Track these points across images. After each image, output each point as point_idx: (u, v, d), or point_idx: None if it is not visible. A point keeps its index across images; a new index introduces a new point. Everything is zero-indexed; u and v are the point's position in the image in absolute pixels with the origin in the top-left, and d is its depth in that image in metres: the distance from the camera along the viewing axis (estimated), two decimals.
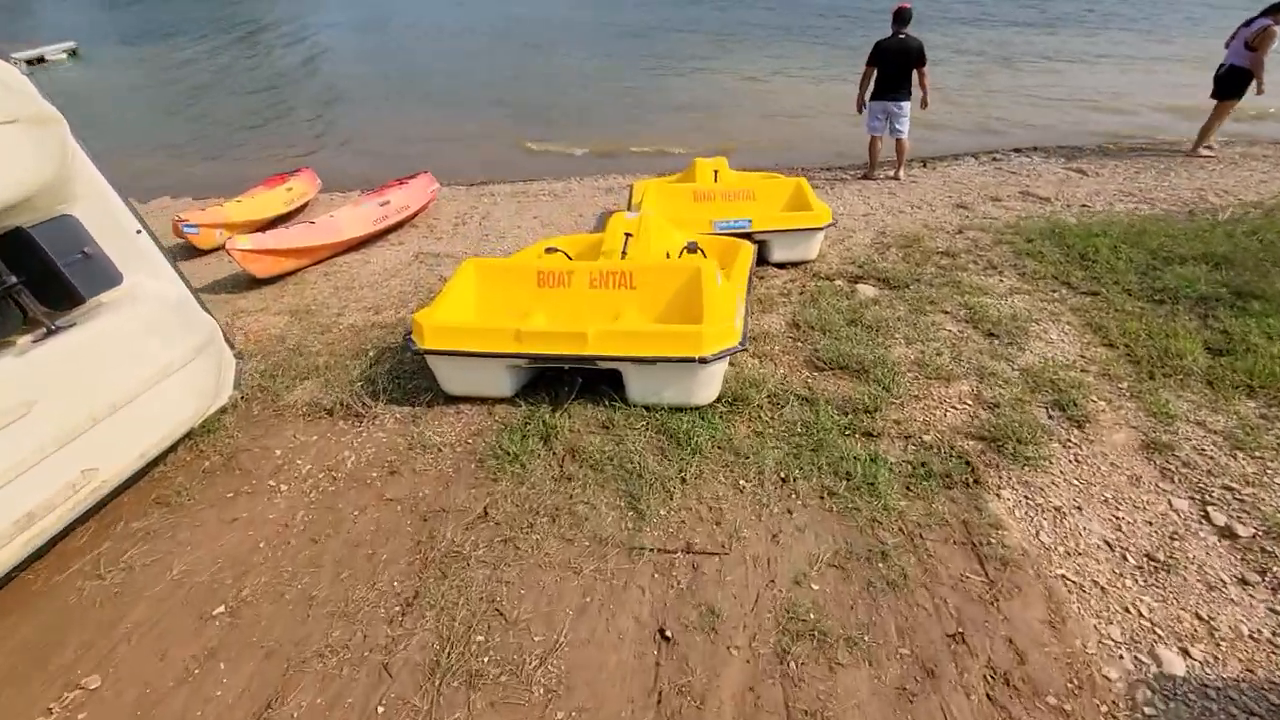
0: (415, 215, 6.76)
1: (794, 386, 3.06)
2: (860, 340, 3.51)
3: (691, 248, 4.09)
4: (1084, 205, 5.97)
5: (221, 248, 6.33)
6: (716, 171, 5.82)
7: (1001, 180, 7.09)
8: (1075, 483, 2.37)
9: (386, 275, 5.36)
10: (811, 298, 4.20)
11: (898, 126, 6.86)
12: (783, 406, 2.88)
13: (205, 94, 16.07)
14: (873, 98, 6.85)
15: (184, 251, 6.31)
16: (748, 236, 4.67)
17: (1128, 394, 2.91)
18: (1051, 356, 3.25)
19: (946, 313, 3.81)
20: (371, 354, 3.79)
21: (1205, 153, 7.60)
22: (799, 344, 3.56)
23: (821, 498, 2.28)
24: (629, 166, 9.37)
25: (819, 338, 3.59)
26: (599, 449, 2.55)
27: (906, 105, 6.70)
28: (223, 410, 3.04)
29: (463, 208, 7.50)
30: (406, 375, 3.51)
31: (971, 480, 2.34)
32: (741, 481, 2.38)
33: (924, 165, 8.26)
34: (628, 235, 3.88)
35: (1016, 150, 8.65)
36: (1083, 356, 3.23)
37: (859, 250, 5.06)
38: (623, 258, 3.86)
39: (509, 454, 2.57)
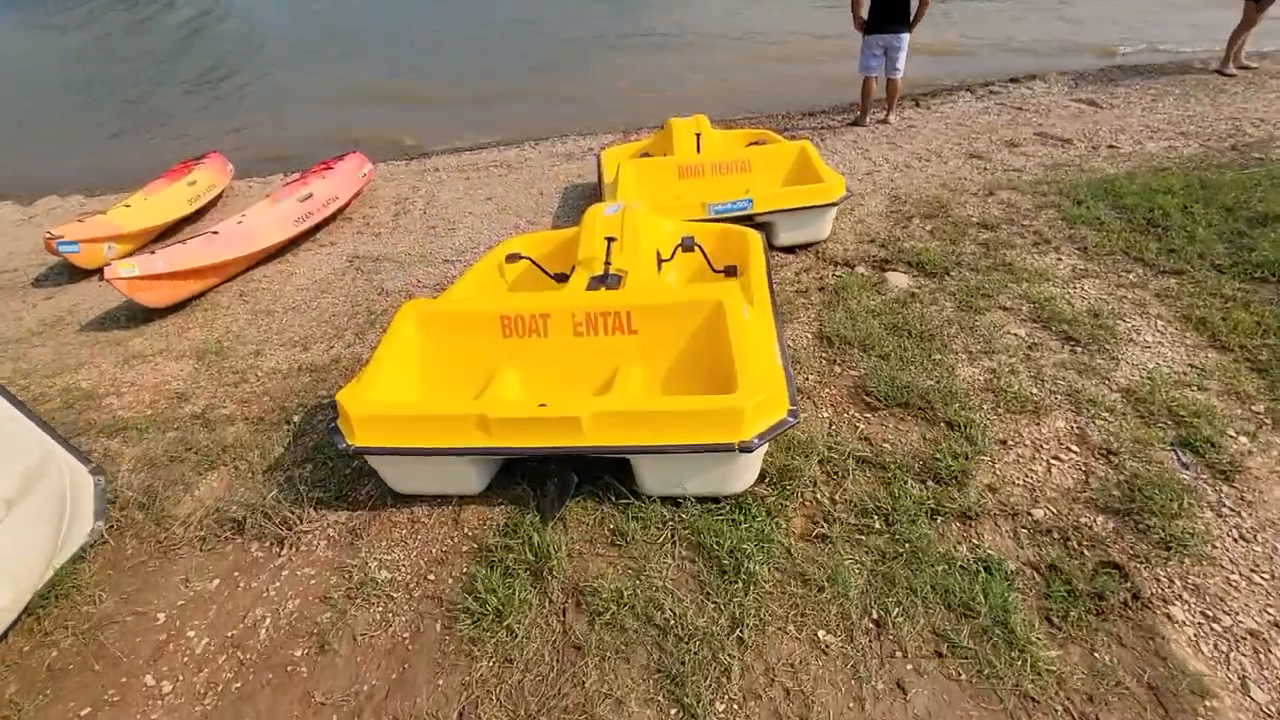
0: (346, 206, 5.75)
1: (849, 442, 2.36)
2: (911, 358, 2.82)
3: (687, 245, 3.29)
4: (1111, 146, 5.29)
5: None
6: (699, 135, 4.94)
7: (1010, 119, 6.34)
8: (1257, 579, 1.77)
9: (315, 291, 4.44)
10: (835, 294, 3.47)
11: (895, 64, 6.00)
12: (843, 479, 2.19)
13: (90, 61, 14.15)
14: (867, 30, 5.95)
15: (64, 275, 5.24)
16: (748, 219, 3.88)
17: (1269, 421, 2.30)
18: (1155, 368, 2.61)
19: (1005, 309, 3.13)
20: (297, 420, 2.97)
21: (1234, 71, 6.92)
22: (836, 367, 2.86)
23: (939, 654, 1.62)
24: (590, 123, 8.34)
25: (859, 357, 2.89)
26: (612, 588, 1.81)
27: (906, 38, 5.83)
28: (79, 557, 2.21)
29: (403, 189, 6.48)
30: (342, 457, 2.73)
31: (1129, 597, 1.72)
32: (821, 632, 1.70)
33: (915, 104, 7.44)
34: (609, 240, 3.07)
35: (1013, 80, 7.86)
36: (1193, 366, 2.60)
37: (875, 223, 4.31)
38: (606, 267, 3.06)
39: (489, 608, 1.83)
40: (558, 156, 7.08)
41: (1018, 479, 2.18)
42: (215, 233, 4.48)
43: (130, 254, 5.44)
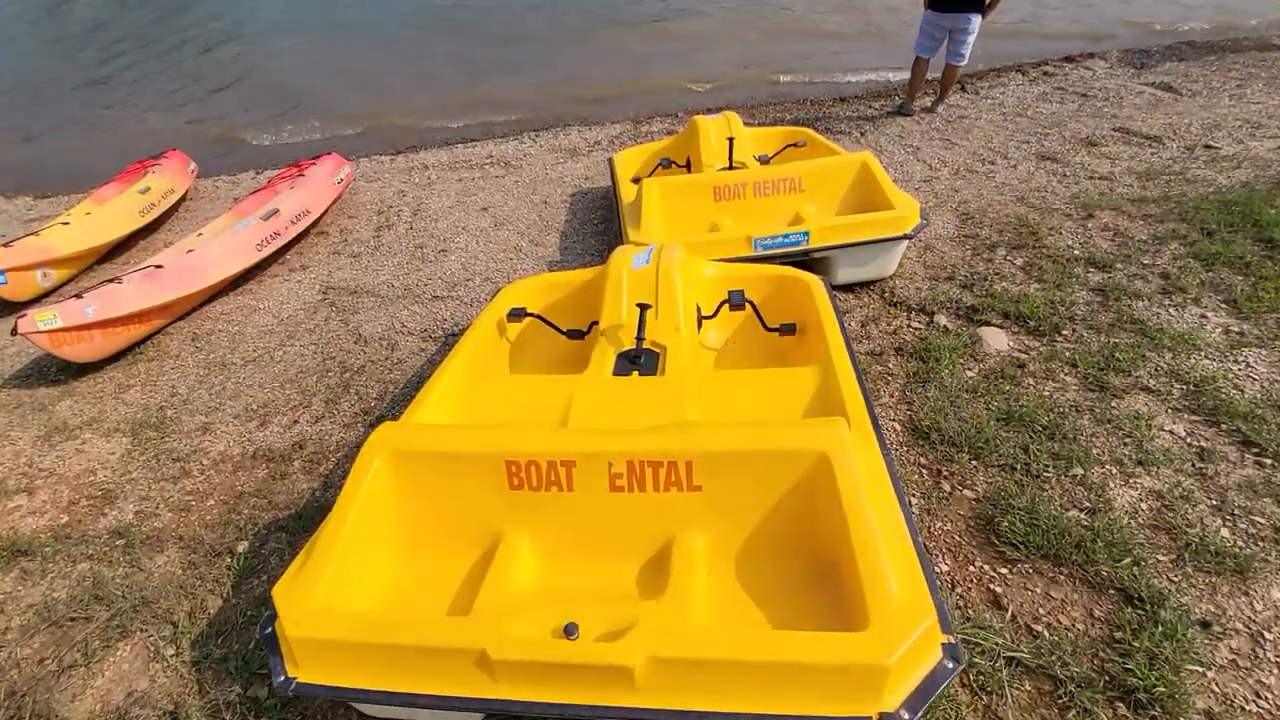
0: (319, 220, 5.00)
1: (991, 625, 1.71)
2: (1043, 471, 2.15)
3: (737, 302, 2.60)
4: (1209, 147, 4.54)
5: (49, 294, 4.57)
6: (731, 140, 4.18)
7: (1077, 109, 5.56)
8: None
9: (281, 335, 3.74)
10: (920, 360, 2.78)
11: (959, 50, 5.19)
12: (998, 701, 1.55)
13: (40, 30, 13.12)
14: (932, 6, 5.12)
15: None
16: (803, 258, 3.18)
17: None
18: None
19: (1149, 390, 2.45)
20: (243, 550, 2.30)
21: None
22: (944, 484, 2.19)
23: None
24: (592, 111, 7.51)
25: (972, 467, 2.22)
26: None
27: (977, 21, 5.01)
28: None
29: (388, 193, 5.71)
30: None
31: None
32: None
33: (962, 88, 6.63)
34: (643, 309, 2.37)
35: (1069, 60, 7.04)
36: None
37: (948, 251, 3.59)
38: (639, 343, 2.37)
39: None
40: (560, 152, 6.29)
41: (1247, 700, 1.53)
42: (159, 266, 3.75)
43: (69, 280, 4.72)
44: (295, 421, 3.00)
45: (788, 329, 2.70)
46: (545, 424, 2.10)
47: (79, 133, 9.19)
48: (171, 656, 1.93)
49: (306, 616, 1.41)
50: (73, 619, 2.09)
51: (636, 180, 4.36)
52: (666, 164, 4.52)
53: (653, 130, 6.62)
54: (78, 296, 3.44)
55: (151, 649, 1.96)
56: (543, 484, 1.63)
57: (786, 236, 3.16)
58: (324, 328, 3.76)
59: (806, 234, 3.16)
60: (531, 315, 2.82)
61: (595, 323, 2.79)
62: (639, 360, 2.35)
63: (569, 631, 1.34)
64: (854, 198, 3.49)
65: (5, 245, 4.34)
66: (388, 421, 1.82)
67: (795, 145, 4.44)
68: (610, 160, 4.75)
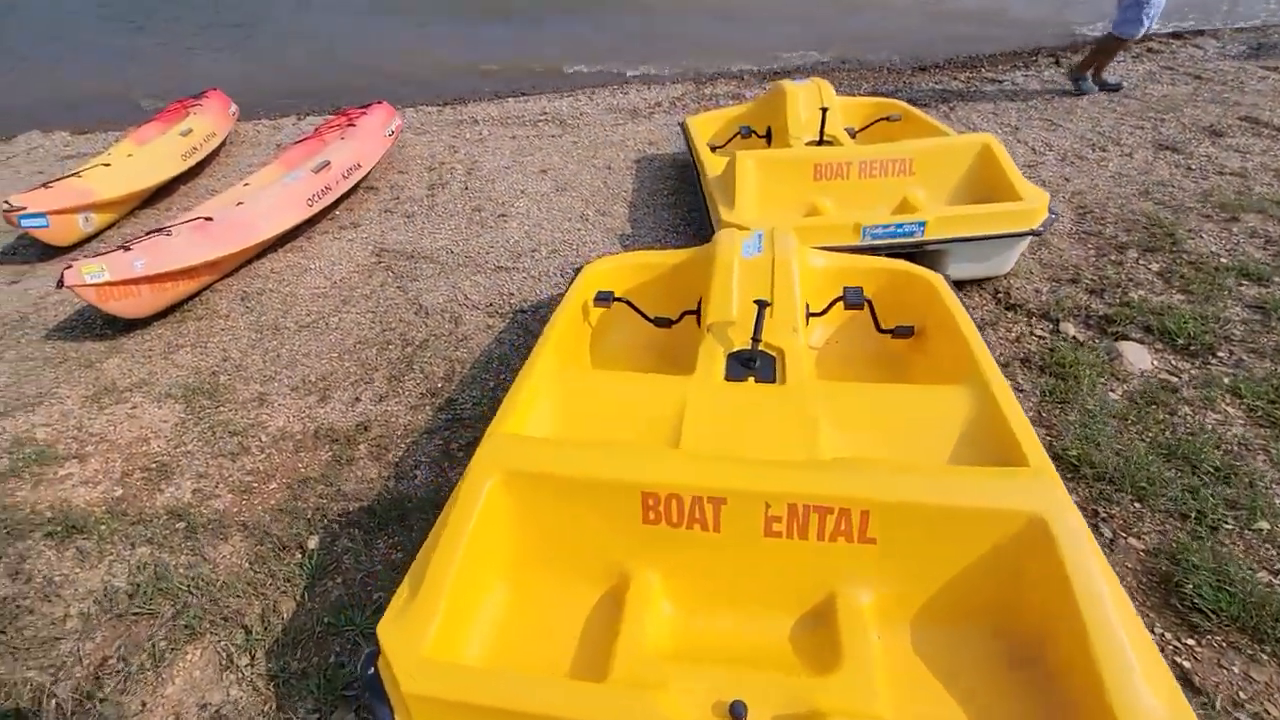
0: (368, 174, 4.72)
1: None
2: (1220, 523, 1.89)
3: (854, 301, 2.32)
4: None
5: (89, 239, 4.38)
6: (825, 111, 3.82)
7: (1192, 93, 5.07)
8: None
9: (336, 300, 3.51)
10: (1053, 376, 2.50)
11: (1144, 16, 4.70)
12: None
13: None
14: None
15: (33, 249, 4.32)
16: (917, 250, 2.87)
17: None
18: None
19: None
20: (314, 545, 2.12)
21: None
22: (1104, 528, 1.93)
23: None
24: (652, 64, 7.08)
25: (1136, 510, 1.95)
26: None
27: None
28: None
29: (437, 148, 5.41)
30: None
31: None
32: None
33: (1056, 63, 6.12)
34: (761, 307, 2.10)
35: (1176, 36, 6.45)
36: None
37: (1068, 250, 3.26)
38: (754, 344, 2.11)
39: None
40: (619, 113, 5.92)
41: None
42: (208, 219, 3.51)
43: (110, 225, 4.52)
44: (357, 399, 2.80)
45: (903, 331, 2.43)
46: (655, 434, 1.87)
47: (113, 68, 8.91)
48: (246, 667, 1.76)
49: (423, 670, 1.20)
50: (136, 613, 1.93)
51: (715, 149, 4.03)
52: (746, 133, 4.17)
53: (717, 93, 6.21)
54: (125, 249, 3.23)
55: (223, 656, 1.79)
56: (684, 521, 1.40)
57: (900, 226, 2.84)
58: (381, 294, 3.52)
59: (923, 224, 2.84)
60: (620, 300, 2.57)
61: (689, 312, 2.54)
62: (754, 364, 2.10)
63: (736, 714, 1.12)
64: (970, 184, 3.15)
65: (46, 186, 4.12)
66: (495, 431, 1.58)
67: (888, 119, 4.06)
68: (684, 125, 4.39)
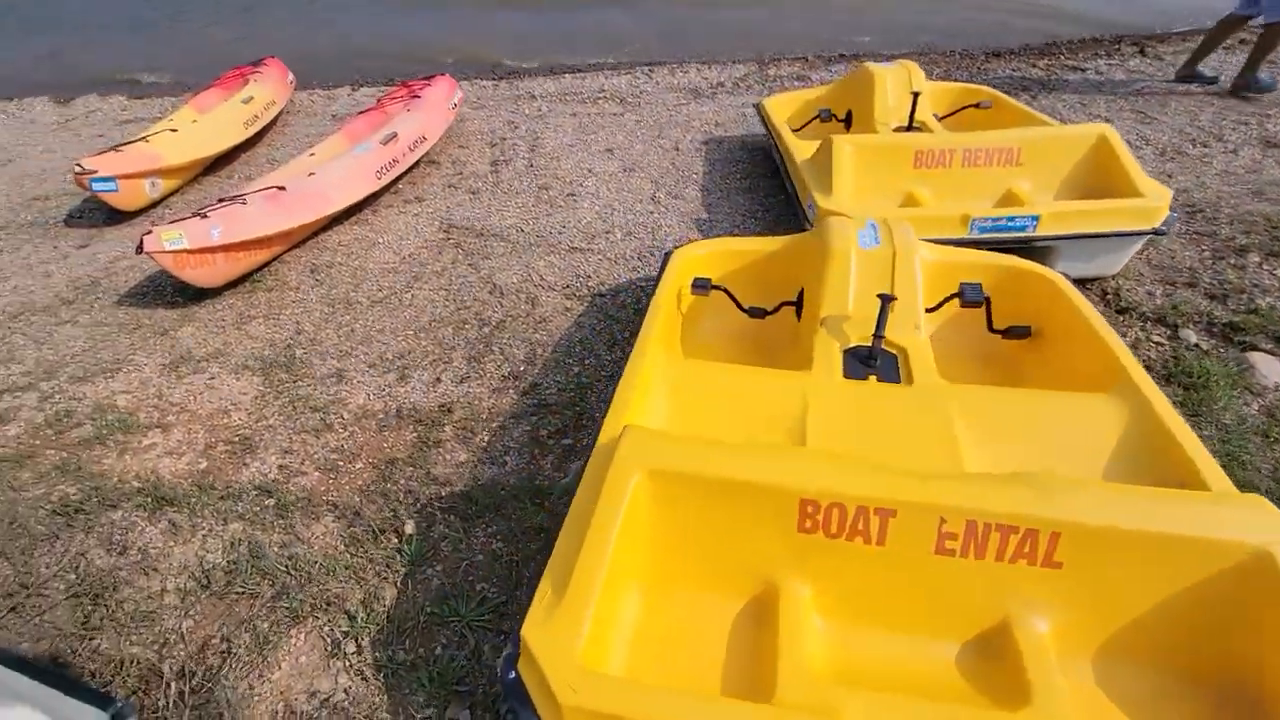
0: (431, 150, 4.63)
1: None
2: None
3: (972, 298, 2.19)
4: None
5: (155, 205, 4.36)
6: (916, 96, 3.64)
7: None
8: None
9: (407, 275, 3.44)
10: (1180, 387, 2.35)
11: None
12: None
13: None
14: None
15: (100, 213, 4.32)
16: (1024, 246, 2.71)
17: None
18: None
19: None
20: (410, 530, 2.06)
21: None
22: None
23: None
24: (707, 44, 6.87)
25: None
26: None
27: None
28: None
29: (496, 123, 5.31)
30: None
31: None
32: None
33: (1140, 51, 5.81)
34: (885, 301, 1.97)
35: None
36: None
37: (1180, 251, 3.06)
38: (877, 341, 1.99)
39: None
40: (681, 92, 5.75)
41: None
42: (281, 188, 3.46)
43: (174, 192, 4.49)
44: (438, 379, 2.73)
45: (1018, 332, 2.29)
46: (777, 432, 1.77)
47: (165, 35, 8.91)
48: (353, 655, 1.71)
49: (582, 683, 1.13)
50: (237, 593, 1.89)
51: (793, 133, 3.88)
52: (825, 116, 4.01)
53: (781, 75, 6.01)
54: (202, 216, 3.18)
55: (328, 642, 1.74)
56: (844, 532, 1.30)
57: (1011, 220, 2.68)
58: (452, 271, 3.45)
59: (1035, 218, 2.68)
60: (717, 288, 2.46)
61: (787, 303, 2.43)
62: (874, 362, 1.98)
63: None
64: (1082, 177, 2.97)
65: (116, 150, 4.10)
66: (632, 426, 1.49)
67: (977, 106, 3.87)
68: (760, 107, 4.23)
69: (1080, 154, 2.96)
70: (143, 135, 4.38)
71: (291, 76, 5.92)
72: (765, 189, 3.95)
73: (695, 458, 1.38)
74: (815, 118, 4.02)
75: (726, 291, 2.47)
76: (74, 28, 9.46)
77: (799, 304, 2.43)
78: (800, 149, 3.37)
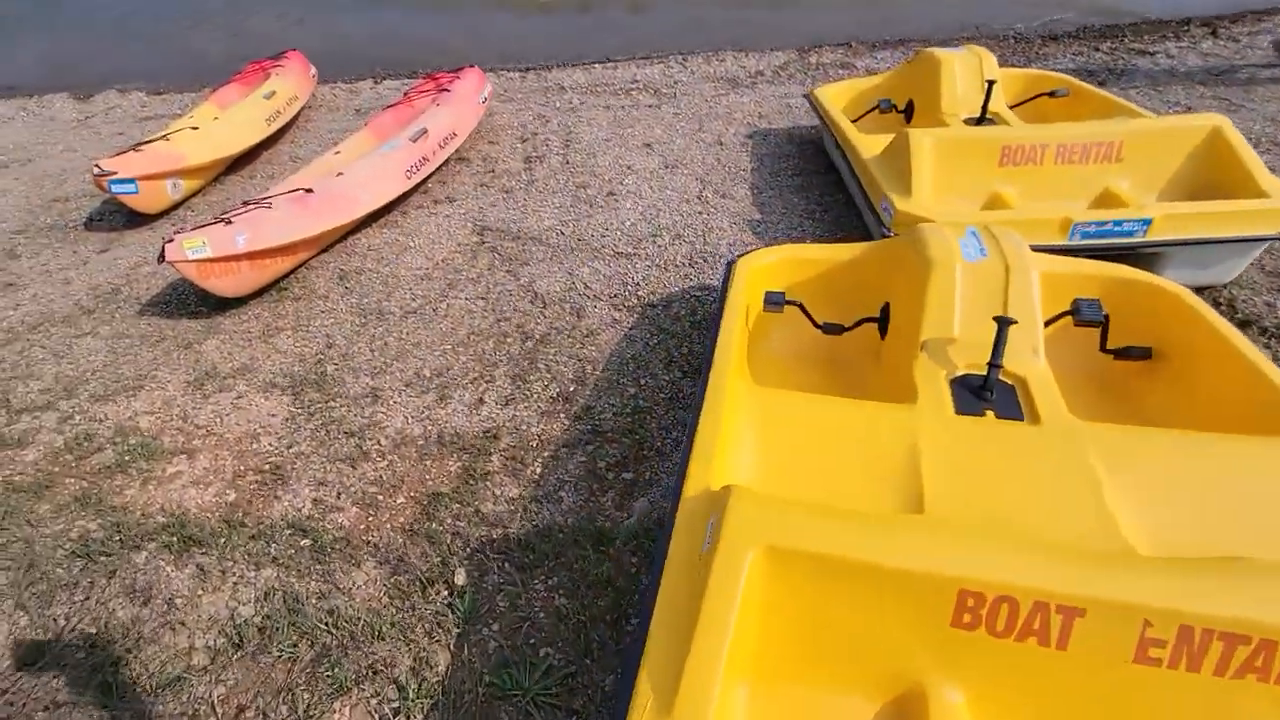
0: (461, 144, 4.40)
1: None
2: None
3: (1089, 316, 1.92)
4: None
5: (176, 206, 4.19)
6: (990, 84, 3.34)
7: None
8: None
9: (441, 283, 3.23)
10: None
11: None
12: None
13: None
14: None
15: (120, 216, 4.15)
16: (1129, 252, 2.42)
17: None
18: None
19: None
20: (461, 580, 1.85)
21: None
22: None
23: None
24: (742, 35, 6.55)
25: None
26: None
27: None
28: None
29: (527, 117, 5.07)
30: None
31: None
32: None
33: (1214, 34, 5.42)
34: (1003, 325, 1.72)
35: None
36: None
37: None
38: (993, 371, 1.73)
39: None
40: (718, 81, 5.47)
41: None
42: (308, 191, 3.25)
43: (197, 193, 4.32)
44: (480, 400, 2.51)
45: (1136, 353, 2.02)
46: (883, 482, 1.53)
47: (180, 29, 8.75)
48: None
49: None
50: (273, 655, 1.69)
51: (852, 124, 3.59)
52: (885, 107, 3.72)
53: (824, 62, 5.69)
54: (226, 221, 2.99)
55: (377, 718, 1.54)
56: (1014, 631, 1.06)
57: (1118, 224, 2.40)
58: (489, 278, 3.23)
59: (1146, 222, 2.39)
60: (792, 303, 2.21)
61: (869, 319, 2.18)
62: (989, 394, 1.73)
63: None
64: (1190, 175, 2.66)
65: (137, 150, 3.92)
66: (740, 489, 1.26)
67: (1052, 95, 3.56)
68: (812, 98, 3.95)
69: (1189, 149, 2.65)
70: (163, 134, 4.20)
71: (313, 70, 5.72)
72: (820, 187, 3.68)
73: (826, 534, 1.14)
74: (874, 108, 3.74)
75: (802, 308, 2.22)
76: (89, 24, 9.35)
77: (883, 320, 2.18)
78: (868, 144, 3.09)
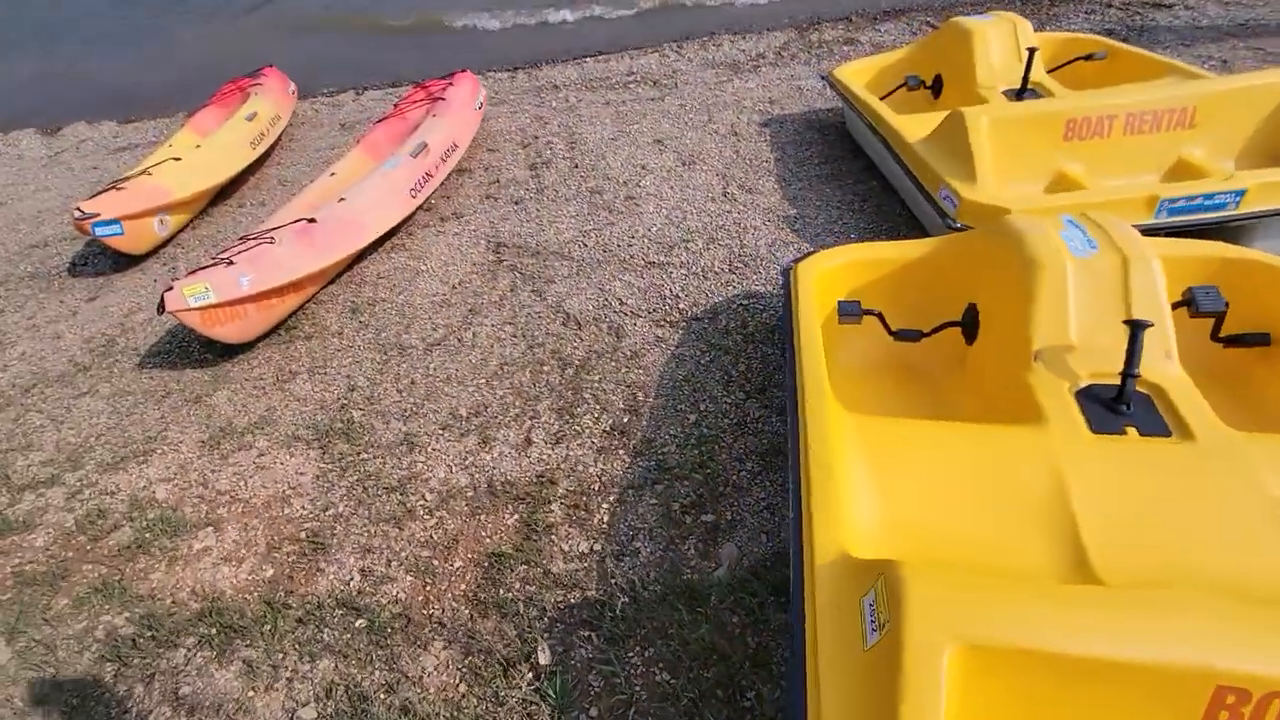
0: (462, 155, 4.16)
1: None
2: None
3: (1207, 304, 1.74)
4: None
5: (165, 243, 3.93)
6: (1031, 52, 3.13)
7: None
8: None
9: (462, 310, 3.01)
10: None
11: None
12: None
13: None
14: None
15: (105, 260, 3.89)
16: (1216, 228, 2.24)
17: None
18: None
19: None
20: (546, 656, 1.65)
21: None
22: None
23: None
24: (733, 17, 6.29)
25: None
26: None
27: None
28: None
29: (523, 121, 4.81)
30: None
31: None
32: None
33: None
34: (1136, 330, 1.53)
35: None
36: None
37: None
38: (1128, 381, 1.54)
39: None
40: (719, 67, 5.23)
41: None
42: (311, 220, 3.01)
43: (184, 228, 4.06)
44: (527, 440, 2.31)
45: (1253, 340, 1.85)
46: (1026, 524, 1.35)
47: (144, 52, 8.38)
48: None
49: None
50: None
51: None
52: (915, 84, 3.52)
53: (826, 39, 5.46)
54: (228, 262, 2.75)
55: None
56: None
57: (1209, 197, 2.21)
58: (513, 300, 3.01)
59: (1239, 193, 2.21)
60: (869, 313, 2.02)
61: (952, 323, 1.99)
62: (1125, 408, 1.54)
63: None
64: (1268, 137, 2.48)
65: (117, 188, 3.65)
66: (916, 569, 1.06)
67: (1089, 58, 3.36)
68: (833, 79, 3.73)
69: (1267, 110, 2.46)
70: (143, 168, 3.92)
71: (293, 86, 5.43)
72: (853, 175, 3.47)
73: (1039, 622, 0.95)
74: (901, 85, 3.53)
75: (880, 317, 2.03)
76: (49, 47, 8.94)
77: (968, 324, 1.99)
78: (909, 126, 2.88)
